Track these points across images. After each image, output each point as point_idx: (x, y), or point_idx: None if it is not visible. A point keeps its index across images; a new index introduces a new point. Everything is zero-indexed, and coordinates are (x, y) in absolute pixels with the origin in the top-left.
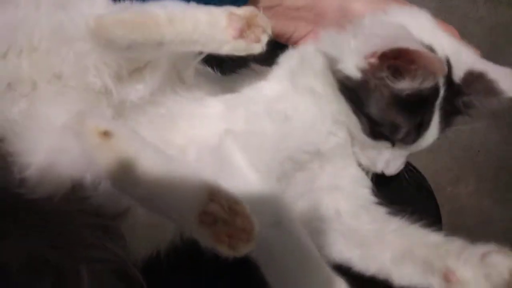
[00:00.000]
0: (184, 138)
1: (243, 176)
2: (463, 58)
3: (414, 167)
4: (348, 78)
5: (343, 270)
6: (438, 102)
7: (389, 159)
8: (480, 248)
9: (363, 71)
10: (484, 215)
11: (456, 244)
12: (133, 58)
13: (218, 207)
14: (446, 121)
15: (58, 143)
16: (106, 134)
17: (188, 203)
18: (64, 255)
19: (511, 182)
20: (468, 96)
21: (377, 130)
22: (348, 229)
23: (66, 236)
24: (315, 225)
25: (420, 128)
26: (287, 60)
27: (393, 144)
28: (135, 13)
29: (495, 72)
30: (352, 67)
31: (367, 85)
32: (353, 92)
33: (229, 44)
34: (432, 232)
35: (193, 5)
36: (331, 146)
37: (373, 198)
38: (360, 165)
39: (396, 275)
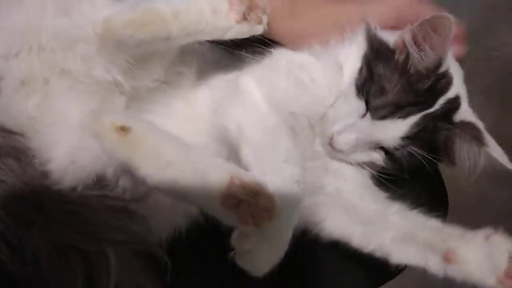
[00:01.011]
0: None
1: (257, 106)
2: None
3: None
4: (382, 41)
5: None
6: (426, 112)
7: (348, 127)
8: (482, 232)
9: (397, 43)
10: (481, 195)
11: (457, 229)
12: (140, 53)
13: (240, 189)
14: (416, 137)
15: (77, 141)
16: (123, 129)
17: (211, 188)
18: (89, 239)
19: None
20: (454, 134)
21: (367, 85)
22: (352, 206)
23: (90, 221)
24: (319, 198)
25: (398, 110)
26: None
27: (365, 113)
28: (141, 13)
29: (488, 136)
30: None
31: (393, 54)
32: (377, 51)
33: (233, 29)
34: (433, 218)
35: None
36: None
37: (373, 182)
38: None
39: (396, 254)
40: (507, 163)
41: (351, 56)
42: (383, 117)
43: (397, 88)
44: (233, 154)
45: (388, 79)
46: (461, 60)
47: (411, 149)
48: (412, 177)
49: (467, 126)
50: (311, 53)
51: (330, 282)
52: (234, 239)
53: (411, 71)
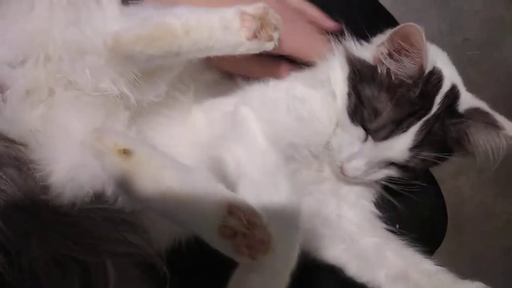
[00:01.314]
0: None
1: (256, 142)
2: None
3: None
4: (361, 61)
5: None
6: (426, 118)
7: (355, 154)
8: (474, 285)
9: (375, 58)
10: (486, 207)
11: (448, 276)
12: (149, 67)
13: (237, 221)
14: (424, 143)
15: (78, 157)
16: (125, 152)
17: (208, 217)
18: (88, 251)
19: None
20: (465, 125)
21: (358, 111)
22: (349, 237)
23: (89, 233)
24: (317, 226)
25: (397, 127)
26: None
27: (366, 137)
28: (152, 28)
29: (499, 116)
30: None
31: (375, 70)
32: (359, 73)
33: (243, 46)
34: (427, 260)
35: (203, 8)
36: None
37: (375, 211)
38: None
39: None
40: None
41: (339, 80)
42: (385, 138)
43: (389, 106)
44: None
45: (377, 100)
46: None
47: (422, 156)
48: (410, 192)
49: (476, 113)
50: (304, 80)
51: None
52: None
53: (396, 82)
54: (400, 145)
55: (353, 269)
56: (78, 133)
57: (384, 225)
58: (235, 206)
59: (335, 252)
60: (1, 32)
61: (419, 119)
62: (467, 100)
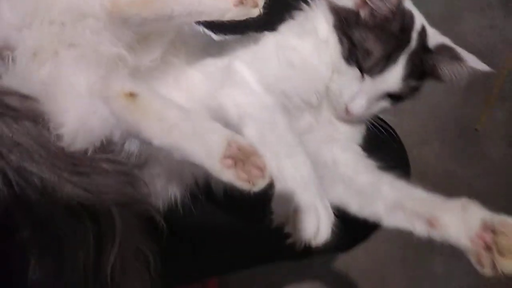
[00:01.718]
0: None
1: (252, 87)
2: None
3: (386, 123)
4: (345, 8)
5: None
6: (409, 50)
7: (356, 94)
8: (460, 201)
9: (356, 4)
10: (448, 173)
11: (439, 198)
12: (144, 30)
13: (236, 151)
14: (410, 72)
15: (87, 106)
16: (131, 95)
17: (211, 150)
18: (97, 199)
19: (471, 142)
20: (436, 59)
21: (353, 53)
22: (347, 177)
23: (97, 182)
24: (318, 172)
25: (388, 61)
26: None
27: (363, 75)
28: None
29: (460, 49)
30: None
31: (358, 15)
32: (345, 19)
33: (231, 11)
34: (417, 187)
35: None
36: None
37: (364, 152)
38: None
39: (386, 220)
40: (483, 67)
41: (325, 30)
42: (380, 72)
43: (378, 44)
44: None
45: (367, 40)
46: None
47: (411, 85)
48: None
49: (442, 48)
50: (293, 32)
51: None
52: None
53: (379, 20)
54: (394, 77)
55: (355, 205)
56: (84, 86)
57: (374, 163)
58: (233, 140)
59: (336, 192)
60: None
61: (403, 51)
62: (434, 36)
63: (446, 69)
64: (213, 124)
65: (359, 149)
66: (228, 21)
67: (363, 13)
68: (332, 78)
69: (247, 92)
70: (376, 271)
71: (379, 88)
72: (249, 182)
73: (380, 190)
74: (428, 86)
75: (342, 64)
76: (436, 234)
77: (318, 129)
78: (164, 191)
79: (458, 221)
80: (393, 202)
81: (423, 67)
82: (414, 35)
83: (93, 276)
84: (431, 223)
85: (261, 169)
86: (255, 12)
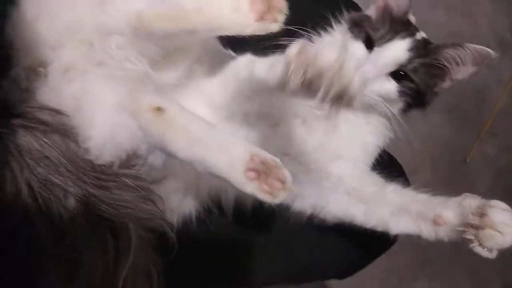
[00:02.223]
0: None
1: None
2: None
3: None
4: (362, 14)
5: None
6: (414, 38)
7: (364, 62)
8: (459, 197)
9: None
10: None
11: (441, 198)
12: (167, 45)
13: (259, 164)
14: (416, 51)
15: (115, 119)
16: (159, 109)
17: (234, 163)
18: (117, 212)
19: (461, 173)
20: (439, 47)
21: (361, 30)
22: (352, 189)
23: (118, 196)
24: (323, 184)
25: (396, 34)
26: None
27: (371, 49)
28: (169, 7)
29: None
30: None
31: (370, 18)
32: (357, 21)
33: (251, 26)
34: (422, 192)
35: None
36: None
37: (371, 162)
38: None
39: (393, 226)
40: (485, 48)
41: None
42: (389, 40)
43: (388, 23)
44: None
45: (378, 22)
46: None
47: (416, 62)
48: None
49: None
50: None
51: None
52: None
53: (395, 15)
54: (401, 46)
55: (361, 215)
56: (111, 101)
57: (380, 177)
58: (255, 154)
59: (342, 204)
60: (47, 22)
61: (411, 35)
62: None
63: (450, 53)
64: (236, 139)
65: (366, 166)
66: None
67: (376, 16)
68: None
69: None
70: None
71: (387, 55)
72: (271, 194)
73: (385, 197)
74: (423, 117)
75: (349, 41)
76: (442, 232)
77: (328, 145)
78: (180, 206)
79: (457, 214)
80: (398, 206)
81: (428, 55)
82: (418, 36)
83: (107, 286)
84: (436, 222)
85: (283, 181)
86: (275, 27)
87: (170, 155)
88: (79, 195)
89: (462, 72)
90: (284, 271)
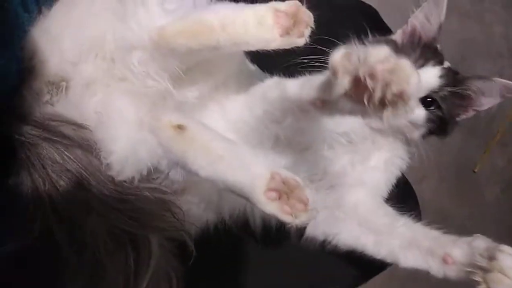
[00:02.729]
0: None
1: None
2: None
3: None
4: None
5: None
6: (443, 66)
7: None
8: (470, 238)
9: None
10: (443, 211)
11: (451, 236)
12: (191, 60)
13: (280, 184)
14: (446, 79)
15: (136, 135)
16: (180, 127)
17: (255, 182)
18: (139, 226)
19: (468, 183)
20: (467, 79)
21: None
22: (364, 220)
23: (141, 209)
24: (336, 214)
25: (427, 61)
26: None
27: None
28: (192, 22)
29: None
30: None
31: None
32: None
33: (276, 41)
34: (433, 229)
35: (241, 5)
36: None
37: (387, 192)
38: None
39: (403, 259)
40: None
41: None
42: (421, 66)
43: (417, 48)
44: None
45: (404, 47)
46: None
47: (446, 90)
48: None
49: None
50: None
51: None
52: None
53: (425, 39)
54: (432, 72)
55: (371, 246)
56: (133, 117)
57: (394, 210)
58: (276, 173)
59: (353, 234)
60: (70, 38)
61: (440, 63)
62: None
63: (478, 85)
64: (257, 158)
65: (383, 195)
66: (274, 50)
67: (401, 40)
68: None
69: None
70: None
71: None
72: (292, 215)
73: (396, 229)
74: None
75: None
76: (451, 271)
77: (352, 172)
78: (199, 219)
79: (466, 254)
80: (408, 240)
81: (456, 84)
82: (445, 64)
83: None
84: (445, 260)
85: (305, 203)
86: (301, 42)
87: (191, 173)
88: (100, 209)
89: (488, 103)
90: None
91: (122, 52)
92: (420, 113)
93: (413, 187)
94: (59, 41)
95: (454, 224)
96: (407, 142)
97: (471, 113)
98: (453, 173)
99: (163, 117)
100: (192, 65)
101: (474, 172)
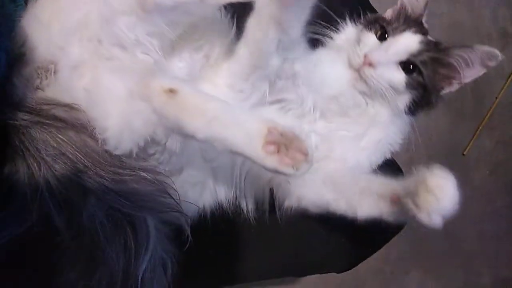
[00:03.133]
0: None
1: None
2: None
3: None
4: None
5: None
6: (425, 37)
7: (376, 49)
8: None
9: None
10: None
11: (400, 179)
12: (176, 20)
13: (278, 137)
14: (425, 44)
15: (129, 106)
16: (172, 91)
17: (252, 137)
18: (134, 205)
19: (457, 165)
20: (448, 47)
21: (376, 24)
22: (330, 180)
23: (135, 190)
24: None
25: (409, 27)
26: None
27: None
28: None
29: None
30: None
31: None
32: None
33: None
34: (388, 178)
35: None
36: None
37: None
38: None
39: (359, 209)
40: (492, 49)
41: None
42: (402, 31)
43: (402, 19)
44: None
45: (391, 20)
46: None
47: (426, 56)
48: None
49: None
50: None
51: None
52: None
53: (412, 15)
54: (412, 38)
55: (333, 201)
56: (123, 90)
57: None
58: (273, 127)
59: (318, 192)
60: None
61: (422, 33)
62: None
63: (459, 53)
64: (252, 114)
65: (362, 158)
66: None
67: (393, 17)
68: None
69: None
70: (352, 282)
71: (398, 44)
72: (293, 167)
73: (356, 185)
74: None
75: (362, 33)
76: (400, 211)
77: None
78: (196, 200)
79: (409, 190)
80: (363, 190)
81: (438, 52)
82: (430, 38)
83: (128, 279)
84: (393, 200)
85: (304, 153)
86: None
87: (187, 137)
88: (97, 191)
89: (471, 74)
90: (288, 265)
91: (109, 24)
92: (399, 76)
93: (402, 169)
94: (47, 27)
95: None
96: (397, 114)
97: (455, 86)
98: (441, 156)
99: (153, 83)
100: (179, 30)
101: (463, 155)
